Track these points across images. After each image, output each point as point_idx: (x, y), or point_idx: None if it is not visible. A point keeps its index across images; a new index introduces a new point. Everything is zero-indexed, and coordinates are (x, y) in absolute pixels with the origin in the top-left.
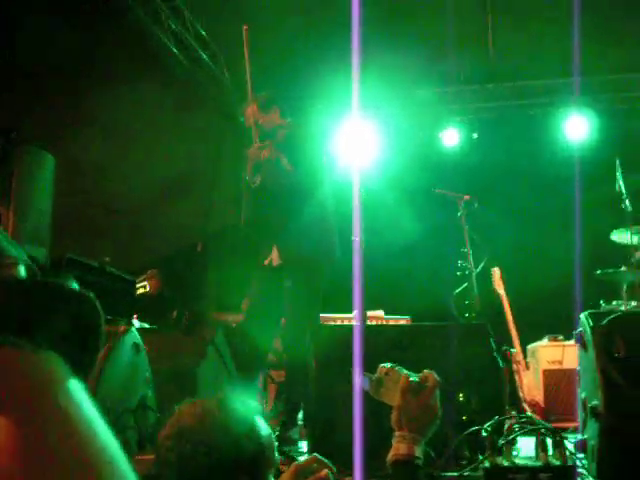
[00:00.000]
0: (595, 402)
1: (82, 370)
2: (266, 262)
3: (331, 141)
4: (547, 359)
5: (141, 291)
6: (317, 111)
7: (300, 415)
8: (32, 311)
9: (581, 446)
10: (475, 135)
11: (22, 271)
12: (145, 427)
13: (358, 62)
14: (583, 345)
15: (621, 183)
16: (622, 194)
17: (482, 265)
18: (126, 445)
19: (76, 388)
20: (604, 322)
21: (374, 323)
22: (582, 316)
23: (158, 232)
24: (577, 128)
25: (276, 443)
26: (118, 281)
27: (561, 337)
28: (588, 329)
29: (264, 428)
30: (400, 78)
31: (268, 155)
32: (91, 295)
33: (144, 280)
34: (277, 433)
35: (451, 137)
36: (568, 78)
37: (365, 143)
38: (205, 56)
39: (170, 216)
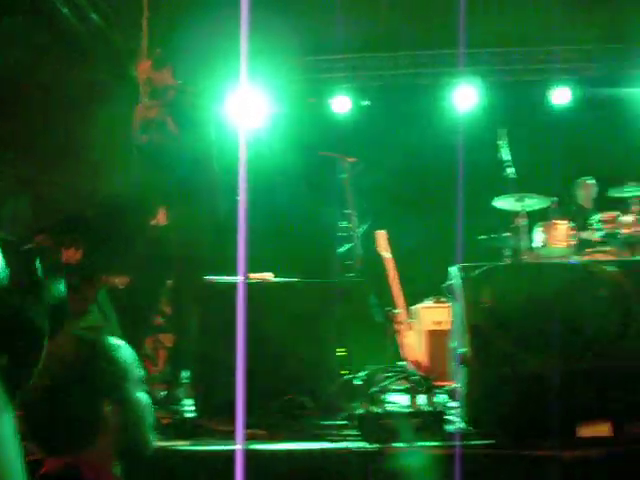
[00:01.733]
0: (463, 350)
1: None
2: (152, 224)
3: (222, 106)
4: (430, 320)
5: None
6: (210, 75)
7: (186, 374)
8: None
9: (454, 394)
10: (366, 102)
11: None
12: None
13: (246, 28)
14: (453, 296)
15: (504, 152)
16: (505, 162)
17: (366, 227)
18: None
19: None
20: (473, 274)
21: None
22: (453, 269)
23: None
24: (464, 99)
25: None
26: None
27: (444, 299)
28: (458, 281)
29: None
30: (290, 44)
31: (155, 115)
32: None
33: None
34: (164, 393)
35: (342, 104)
36: (455, 49)
37: (255, 109)
38: (96, 16)
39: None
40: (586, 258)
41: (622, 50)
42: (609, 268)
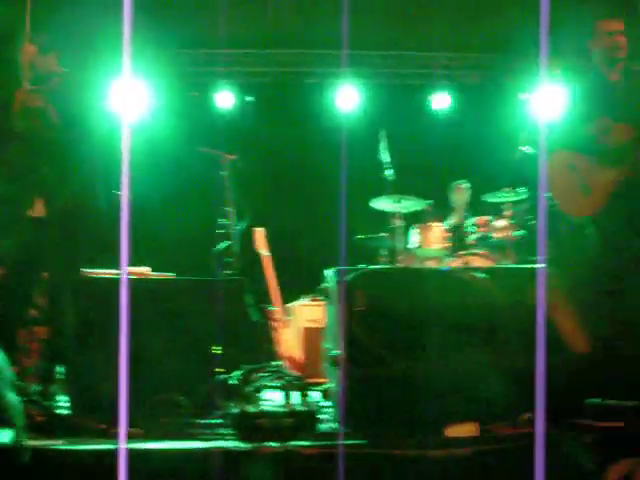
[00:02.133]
0: (336, 351)
1: None
2: (28, 213)
3: (106, 97)
4: (307, 317)
5: None
6: (95, 65)
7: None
8: None
9: (327, 394)
10: (249, 99)
11: None
12: None
13: (129, 19)
14: (328, 298)
15: (384, 153)
16: (384, 164)
17: (245, 224)
18: None
19: None
20: (349, 277)
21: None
22: (328, 272)
23: None
24: (347, 99)
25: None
26: None
27: (322, 297)
28: (333, 284)
29: None
30: (172, 37)
31: (36, 102)
32: None
33: None
34: (37, 388)
35: (226, 99)
36: (339, 50)
37: (139, 101)
38: None
39: None
40: (459, 260)
41: (503, 59)
42: (479, 275)
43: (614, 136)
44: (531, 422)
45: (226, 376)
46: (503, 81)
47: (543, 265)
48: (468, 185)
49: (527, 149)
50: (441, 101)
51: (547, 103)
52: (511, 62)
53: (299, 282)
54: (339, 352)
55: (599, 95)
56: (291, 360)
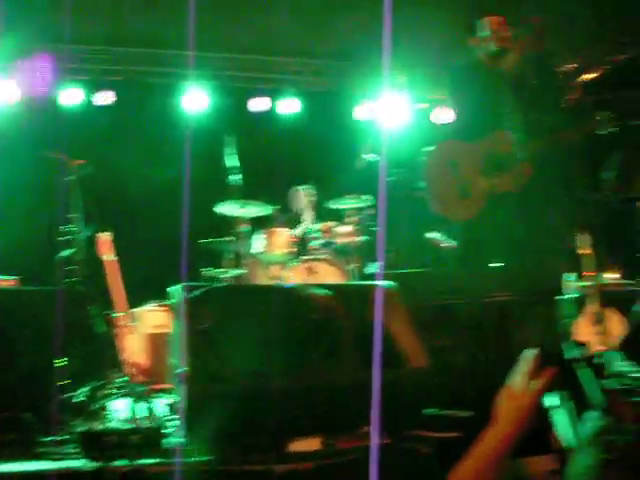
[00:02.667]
0: (182, 368)
1: None
2: None
3: None
4: (152, 323)
5: None
6: None
7: None
8: None
9: (174, 409)
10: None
11: None
12: None
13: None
14: (175, 314)
15: (231, 158)
16: (231, 168)
17: (91, 230)
18: None
19: None
20: (194, 294)
21: None
22: (176, 287)
23: None
24: (194, 102)
25: None
26: None
27: (167, 302)
28: (180, 300)
29: None
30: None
31: None
32: None
33: None
34: None
35: (72, 97)
36: (188, 51)
37: None
38: None
39: None
40: (303, 265)
41: (350, 66)
42: (321, 291)
43: (498, 144)
44: (372, 435)
45: (72, 392)
46: (349, 88)
47: (382, 280)
48: (313, 191)
49: (371, 156)
50: (289, 106)
51: (391, 111)
52: (358, 69)
53: (147, 287)
54: (184, 368)
55: (483, 101)
56: (136, 367)
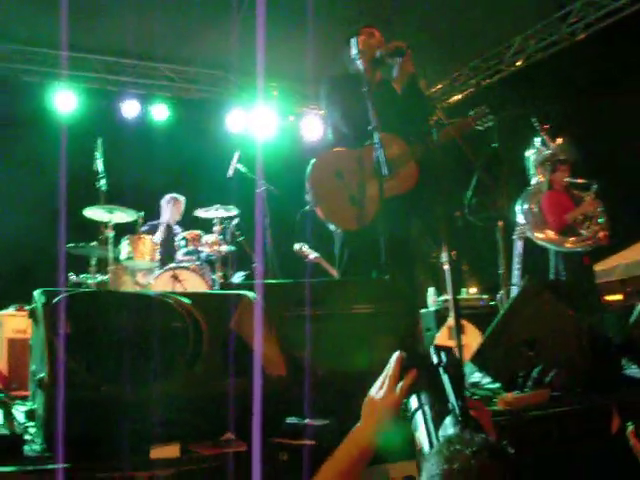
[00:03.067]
0: (42, 375)
1: None
2: None
3: None
4: (12, 328)
5: None
6: None
7: None
8: None
9: (33, 416)
10: None
11: None
12: None
13: None
14: (35, 320)
15: (99, 162)
16: (99, 173)
17: None
18: None
19: None
20: (55, 300)
21: None
22: (35, 293)
23: None
24: (65, 103)
25: None
26: None
27: (27, 307)
28: (39, 305)
29: None
30: None
31: None
32: None
33: None
34: None
35: None
36: (61, 51)
37: None
38: None
39: None
40: (168, 273)
41: (222, 76)
42: (184, 299)
43: (386, 148)
44: (231, 442)
45: None
46: (222, 98)
47: (246, 290)
48: (181, 198)
49: (240, 166)
50: (160, 113)
51: (262, 122)
52: (230, 80)
53: (11, 291)
54: (43, 375)
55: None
56: None
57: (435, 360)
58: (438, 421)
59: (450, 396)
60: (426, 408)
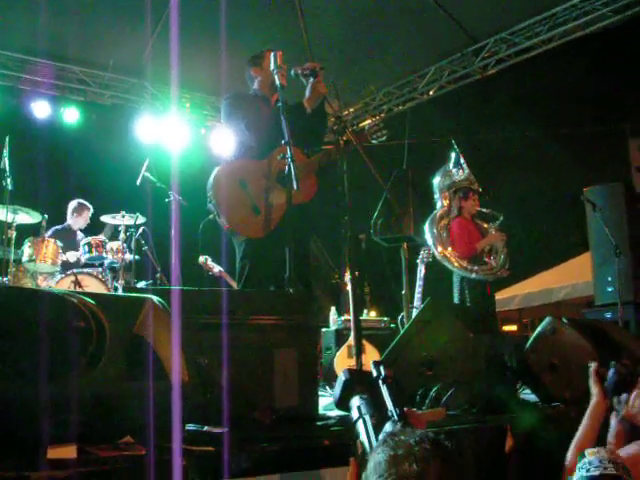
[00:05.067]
0: None
1: None
2: None
3: None
4: None
5: None
6: None
7: None
8: None
9: None
10: None
11: None
12: None
13: None
14: None
15: (5, 161)
16: (5, 172)
17: None
18: None
19: None
20: None
21: None
22: None
23: None
24: None
25: None
26: None
27: None
28: None
29: None
30: None
31: None
32: None
33: None
34: None
35: None
36: None
37: None
38: None
39: None
40: (70, 278)
41: (136, 84)
42: (88, 300)
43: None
44: (130, 446)
45: None
46: (134, 105)
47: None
48: (88, 204)
49: (149, 175)
50: (72, 115)
51: (173, 132)
52: (144, 87)
53: None
54: None
55: (270, 122)
56: None
57: (375, 373)
58: (378, 428)
59: (389, 404)
60: (366, 417)
